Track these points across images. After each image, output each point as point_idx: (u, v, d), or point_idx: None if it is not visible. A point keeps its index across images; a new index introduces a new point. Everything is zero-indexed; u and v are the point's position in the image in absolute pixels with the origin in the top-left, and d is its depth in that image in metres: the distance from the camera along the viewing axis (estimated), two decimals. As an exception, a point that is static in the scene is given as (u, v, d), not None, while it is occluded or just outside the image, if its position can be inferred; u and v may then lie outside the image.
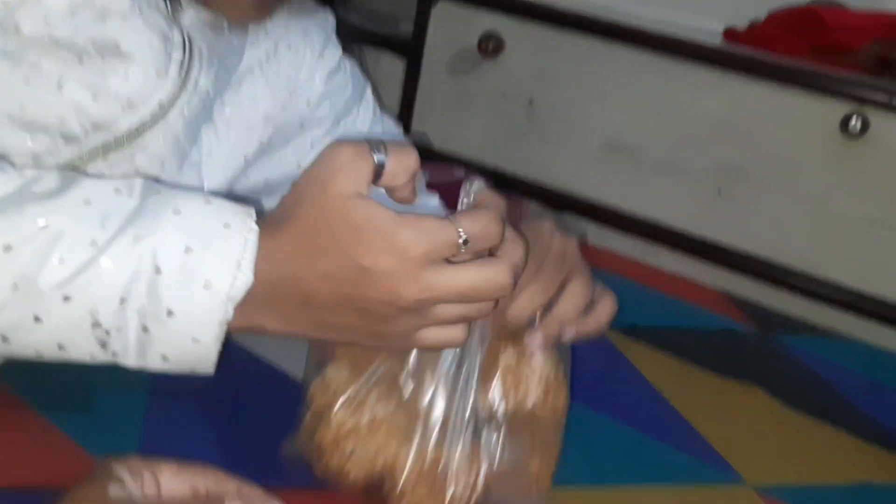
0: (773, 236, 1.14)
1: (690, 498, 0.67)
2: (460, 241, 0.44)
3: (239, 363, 0.73)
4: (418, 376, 0.55)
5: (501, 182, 1.13)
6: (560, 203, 1.25)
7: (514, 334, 0.58)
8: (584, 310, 0.57)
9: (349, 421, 0.54)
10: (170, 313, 0.44)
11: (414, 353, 0.54)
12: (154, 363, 0.46)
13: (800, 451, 0.77)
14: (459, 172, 1.13)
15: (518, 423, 0.58)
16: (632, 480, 0.68)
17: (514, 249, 0.48)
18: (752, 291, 1.12)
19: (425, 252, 0.43)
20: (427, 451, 0.53)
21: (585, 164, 1.24)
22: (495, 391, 0.57)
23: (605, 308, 0.59)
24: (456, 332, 0.48)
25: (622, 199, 1.23)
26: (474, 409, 0.55)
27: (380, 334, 0.47)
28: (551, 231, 0.58)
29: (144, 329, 0.44)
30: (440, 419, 0.54)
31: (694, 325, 1.00)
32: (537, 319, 0.58)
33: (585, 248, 1.17)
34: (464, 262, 0.46)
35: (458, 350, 0.54)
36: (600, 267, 1.13)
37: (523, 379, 0.59)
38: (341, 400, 0.54)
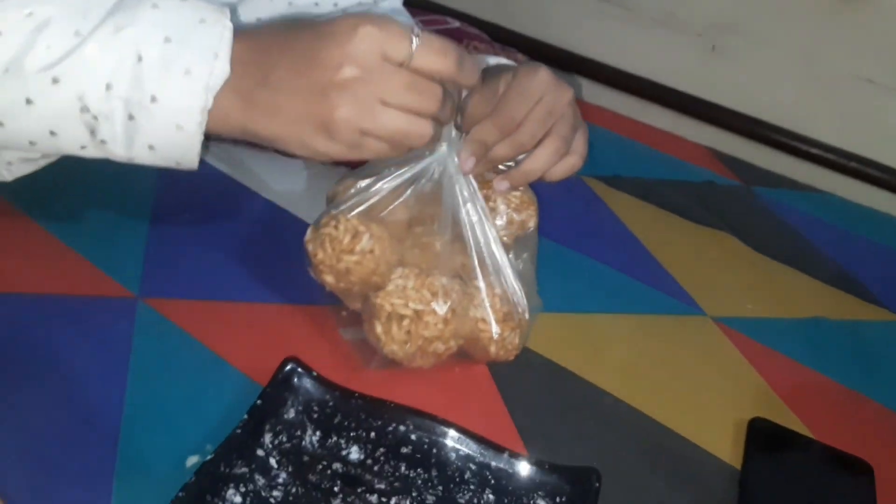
0: (762, 94, 1.15)
1: (653, 325, 0.73)
2: (412, 35, 0.47)
3: (242, 198, 0.78)
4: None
5: (496, 36, 1.15)
6: (553, 58, 1.25)
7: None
8: (553, 163, 0.61)
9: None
10: (153, 99, 0.46)
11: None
12: (141, 154, 0.48)
13: (761, 289, 0.83)
14: (454, 23, 1.13)
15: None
16: (602, 309, 0.74)
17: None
18: (738, 149, 1.15)
19: (381, 27, 0.46)
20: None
21: (580, 17, 1.23)
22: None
23: (566, 164, 0.62)
24: (395, 151, 0.49)
25: (616, 54, 1.23)
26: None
27: (326, 121, 0.47)
28: (545, 80, 0.59)
29: (130, 117, 0.46)
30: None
31: (676, 177, 1.03)
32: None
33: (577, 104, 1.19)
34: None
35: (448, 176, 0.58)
36: (589, 123, 1.16)
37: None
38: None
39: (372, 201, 0.59)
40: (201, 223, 0.73)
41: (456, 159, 0.59)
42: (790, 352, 0.73)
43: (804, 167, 1.12)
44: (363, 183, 0.60)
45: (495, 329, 0.61)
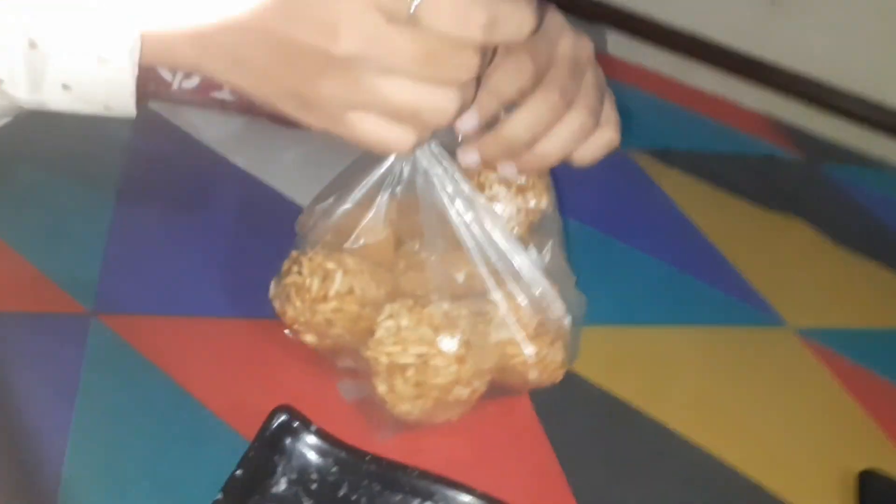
0: (828, 54, 1.01)
1: (724, 340, 0.60)
2: None
3: (225, 190, 0.64)
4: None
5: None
6: (587, 11, 1.11)
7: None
8: (578, 143, 0.46)
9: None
10: (63, 21, 0.34)
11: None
12: (54, 96, 0.36)
13: (846, 292, 0.69)
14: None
15: None
16: (661, 320, 0.61)
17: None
18: (800, 116, 1.01)
19: None
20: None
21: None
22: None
23: (600, 140, 0.47)
24: (395, 132, 0.37)
25: (658, 6, 1.08)
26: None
27: (303, 95, 0.36)
28: (560, 31, 0.46)
29: (32, 44, 0.34)
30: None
31: (733, 151, 0.90)
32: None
33: (612, 62, 1.05)
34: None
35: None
36: (629, 84, 1.02)
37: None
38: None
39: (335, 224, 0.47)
40: (173, 221, 0.60)
41: (432, 147, 0.45)
42: (892, 374, 0.60)
43: (879, 140, 0.98)
44: (325, 204, 0.48)
45: (528, 350, 0.48)
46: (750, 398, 0.56)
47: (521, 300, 0.48)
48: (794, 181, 0.87)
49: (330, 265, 0.46)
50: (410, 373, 0.44)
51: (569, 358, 0.51)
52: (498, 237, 0.47)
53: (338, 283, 0.46)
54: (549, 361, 0.49)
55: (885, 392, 0.59)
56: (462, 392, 0.46)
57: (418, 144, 0.39)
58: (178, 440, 0.44)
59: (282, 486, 0.41)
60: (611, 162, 0.84)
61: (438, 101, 0.37)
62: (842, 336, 0.64)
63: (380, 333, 0.45)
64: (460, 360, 0.45)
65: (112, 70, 0.35)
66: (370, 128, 0.37)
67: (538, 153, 0.45)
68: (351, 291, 0.46)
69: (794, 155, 0.93)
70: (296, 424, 0.42)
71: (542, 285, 0.48)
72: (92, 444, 0.43)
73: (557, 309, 0.49)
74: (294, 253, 0.48)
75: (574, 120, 0.45)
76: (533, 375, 0.49)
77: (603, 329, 0.59)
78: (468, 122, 0.42)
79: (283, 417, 0.42)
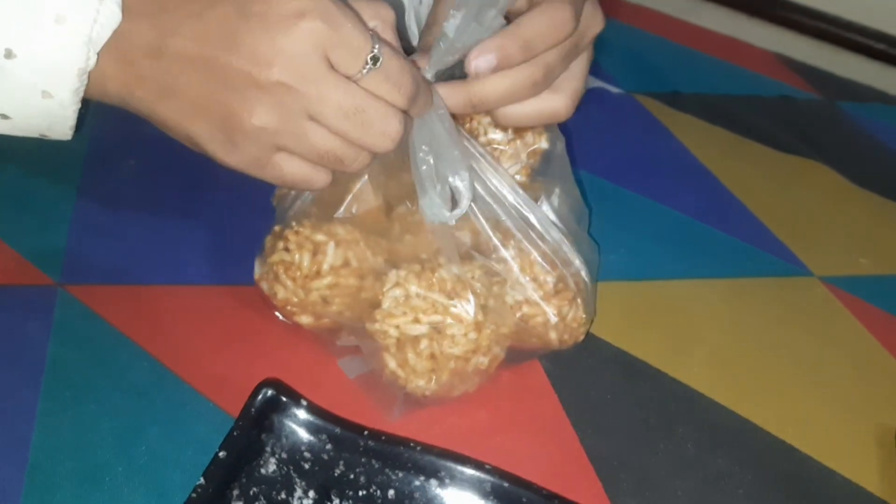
0: (842, -14, 0.95)
1: (748, 293, 0.56)
2: (371, 49, 0.35)
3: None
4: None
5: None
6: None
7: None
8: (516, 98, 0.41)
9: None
10: (8, 54, 0.33)
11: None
12: None
13: (873, 236, 0.65)
14: None
15: None
16: (679, 273, 0.57)
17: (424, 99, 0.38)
18: (813, 54, 0.95)
19: (331, 25, 0.34)
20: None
21: None
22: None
23: (541, 105, 0.42)
24: (318, 174, 0.38)
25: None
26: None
27: (231, 129, 0.35)
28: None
29: None
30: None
31: (745, 92, 0.85)
32: None
33: (618, 4, 0.99)
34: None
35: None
36: (636, 26, 0.96)
37: None
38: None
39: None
40: (142, 186, 0.55)
41: None
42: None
43: (894, 75, 0.93)
44: None
45: (549, 310, 0.44)
46: (777, 353, 0.51)
47: (535, 255, 0.43)
48: (811, 121, 0.82)
49: (319, 237, 0.42)
50: (424, 344, 0.40)
51: (591, 312, 0.47)
52: (503, 188, 0.43)
53: (330, 255, 0.41)
54: (571, 320, 0.45)
55: (919, 341, 0.55)
56: (482, 361, 0.42)
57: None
58: (155, 419, 0.40)
59: (271, 466, 0.37)
60: (618, 108, 0.79)
61: (361, 158, 0.37)
62: (871, 283, 0.59)
63: (387, 304, 0.40)
64: (478, 326, 0.41)
65: (54, 104, 0.35)
66: (295, 170, 0.37)
67: (472, 89, 0.40)
68: (346, 263, 0.42)
69: (809, 93, 0.88)
70: (284, 399, 0.38)
71: (555, 237, 0.44)
72: (60, 425, 0.39)
73: (575, 261, 0.45)
74: (277, 228, 0.43)
75: (551, 103, 0.42)
76: (554, 336, 0.45)
77: (617, 284, 0.55)
78: (484, 64, 0.39)
79: (269, 392, 0.38)
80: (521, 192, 0.43)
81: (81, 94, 0.35)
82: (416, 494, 0.37)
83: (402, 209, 0.44)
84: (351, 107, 0.35)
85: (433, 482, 0.37)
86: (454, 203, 0.39)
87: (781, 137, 0.77)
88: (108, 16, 0.34)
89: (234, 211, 0.53)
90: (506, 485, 0.36)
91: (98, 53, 0.34)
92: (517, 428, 0.43)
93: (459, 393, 0.42)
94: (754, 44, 0.96)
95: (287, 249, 0.42)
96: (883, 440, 0.46)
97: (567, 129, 0.69)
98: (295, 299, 0.42)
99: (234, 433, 0.36)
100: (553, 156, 0.46)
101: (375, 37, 0.36)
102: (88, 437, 0.38)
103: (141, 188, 0.54)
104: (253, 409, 0.37)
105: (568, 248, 0.45)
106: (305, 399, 0.38)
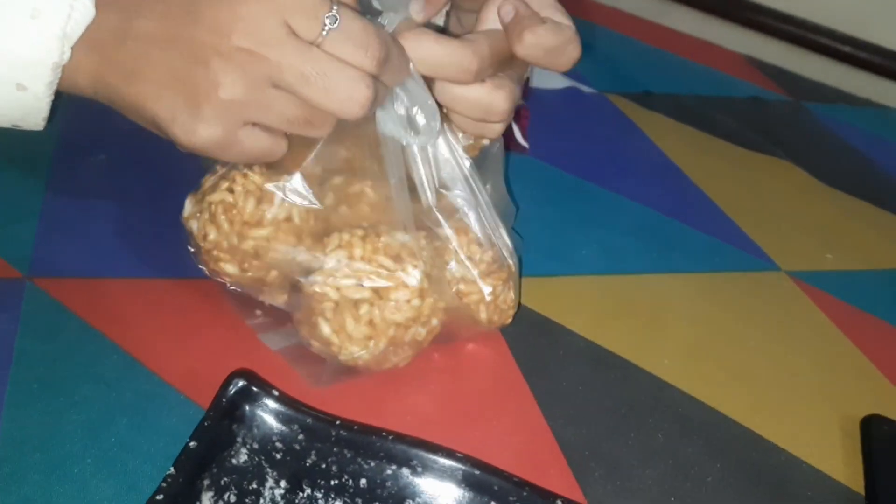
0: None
1: (718, 287, 0.57)
2: (329, 9, 0.35)
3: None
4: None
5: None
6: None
7: None
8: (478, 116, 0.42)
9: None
10: None
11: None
12: None
13: (838, 233, 0.66)
14: None
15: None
16: (649, 268, 0.57)
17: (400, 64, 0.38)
18: (781, 56, 0.97)
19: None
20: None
21: None
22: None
23: (487, 129, 0.43)
24: (278, 144, 0.38)
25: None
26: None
27: (199, 104, 0.35)
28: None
29: None
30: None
31: (715, 93, 0.87)
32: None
33: (590, 5, 1.00)
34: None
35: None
36: (607, 27, 0.97)
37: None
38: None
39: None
40: (112, 180, 0.54)
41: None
42: (892, 317, 0.57)
43: (861, 78, 0.95)
44: None
45: (485, 288, 0.44)
46: (745, 345, 0.52)
47: (473, 234, 0.44)
48: (780, 122, 0.84)
49: (269, 186, 0.40)
50: (364, 310, 0.39)
51: (517, 297, 0.48)
52: (448, 160, 0.42)
53: (276, 206, 0.40)
54: (502, 301, 0.46)
55: (885, 334, 0.56)
56: (419, 332, 0.41)
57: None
58: (125, 411, 0.39)
59: (242, 456, 0.37)
60: (591, 107, 0.80)
61: (326, 123, 0.37)
62: (836, 278, 0.61)
63: (330, 264, 0.40)
64: (422, 293, 0.41)
65: (29, 97, 0.35)
66: (257, 144, 0.37)
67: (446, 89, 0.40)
68: (289, 219, 0.41)
69: (777, 94, 0.89)
70: (255, 390, 0.38)
71: (493, 219, 0.45)
72: (28, 418, 0.38)
73: (507, 245, 0.46)
74: (220, 168, 0.42)
75: (506, 81, 0.41)
76: (483, 315, 0.45)
77: (589, 279, 0.55)
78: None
79: (241, 383, 0.38)
80: (468, 166, 0.43)
81: (55, 87, 0.36)
82: (388, 483, 0.37)
83: (338, 180, 0.43)
84: (312, 71, 0.35)
85: (405, 470, 0.37)
86: (415, 131, 0.39)
87: (750, 136, 0.78)
88: (82, 11, 0.34)
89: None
90: (477, 472, 0.36)
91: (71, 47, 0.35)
92: (489, 418, 0.43)
93: (391, 365, 0.42)
94: (724, 46, 0.98)
95: (231, 191, 0.41)
96: (847, 429, 0.47)
97: (541, 127, 0.70)
98: (226, 244, 0.41)
99: (205, 423, 0.36)
100: (489, 153, 0.46)
101: (332, 3, 0.35)
102: (57, 428, 0.38)
103: (110, 183, 0.54)
104: (224, 400, 0.37)
105: (504, 232, 0.46)
106: (277, 389, 0.38)
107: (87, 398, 0.39)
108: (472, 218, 0.43)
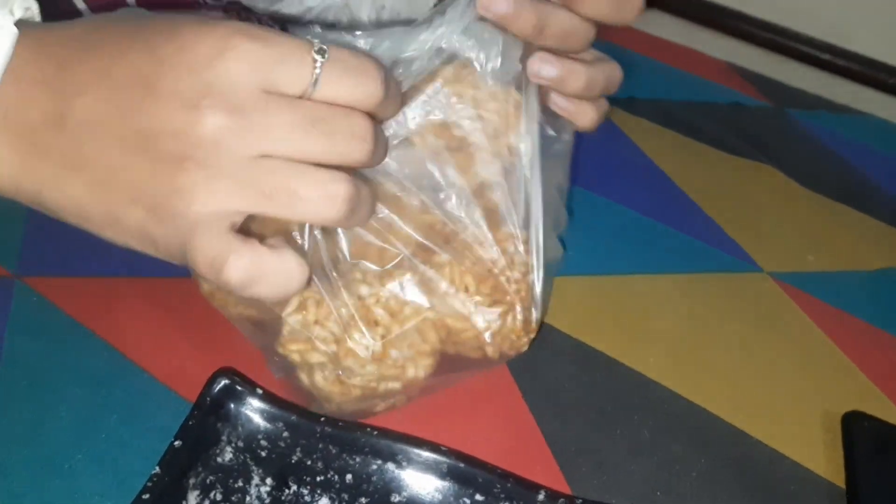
0: (791, 1, 0.99)
1: (701, 287, 0.58)
2: (312, 46, 0.29)
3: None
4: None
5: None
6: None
7: None
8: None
9: None
10: None
11: None
12: None
13: (819, 235, 0.67)
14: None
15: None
16: (634, 269, 0.58)
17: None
18: (763, 63, 0.98)
19: (264, 42, 0.29)
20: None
21: None
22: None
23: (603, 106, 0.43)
24: (333, 181, 0.31)
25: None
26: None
27: (157, 195, 0.29)
28: None
29: None
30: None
31: (698, 99, 0.87)
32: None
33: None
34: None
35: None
36: (591, 34, 0.98)
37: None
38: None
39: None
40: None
41: None
42: (871, 317, 0.58)
43: (840, 84, 0.96)
44: None
45: (479, 322, 0.40)
46: (728, 344, 0.53)
47: (469, 262, 0.39)
48: (762, 127, 0.85)
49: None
50: (329, 370, 0.38)
51: (538, 318, 0.43)
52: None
53: None
54: (510, 330, 0.41)
55: (864, 334, 0.57)
56: (393, 385, 0.39)
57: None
58: (115, 407, 0.39)
59: (227, 454, 0.37)
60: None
61: (339, 189, 0.30)
62: (818, 279, 0.61)
63: (286, 329, 0.38)
64: (377, 358, 0.38)
65: None
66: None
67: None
68: None
69: (759, 101, 0.90)
70: (240, 388, 0.38)
71: (484, 234, 0.40)
72: (17, 413, 0.38)
73: (522, 264, 0.41)
74: None
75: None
76: (491, 351, 0.41)
77: (575, 279, 0.56)
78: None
79: (224, 381, 0.38)
80: (444, 160, 0.39)
81: None
82: (374, 478, 0.37)
83: None
84: (308, 118, 0.29)
85: (390, 465, 0.37)
86: None
87: (733, 141, 0.79)
88: None
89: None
90: (461, 465, 0.37)
91: None
92: (476, 414, 0.44)
93: (385, 409, 0.41)
94: (707, 53, 0.99)
95: None
96: (829, 426, 0.48)
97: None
98: (217, 296, 0.40)
99: (190, 422, 0.36)
100: (554, 147, 0.43)
101: (313, 40, 0.30)
102: (46, 425, 0.38)
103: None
104: (208, 399, 0.37)
105: (538, 245, 0.42)
106: (261, 388, 0.39)
107: (77, 395, 0.39)
108: (459, 238, 0.39)
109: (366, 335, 0.37)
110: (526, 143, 0.40)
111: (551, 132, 0.43)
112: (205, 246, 0.29)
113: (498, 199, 0.40)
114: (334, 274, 0.37)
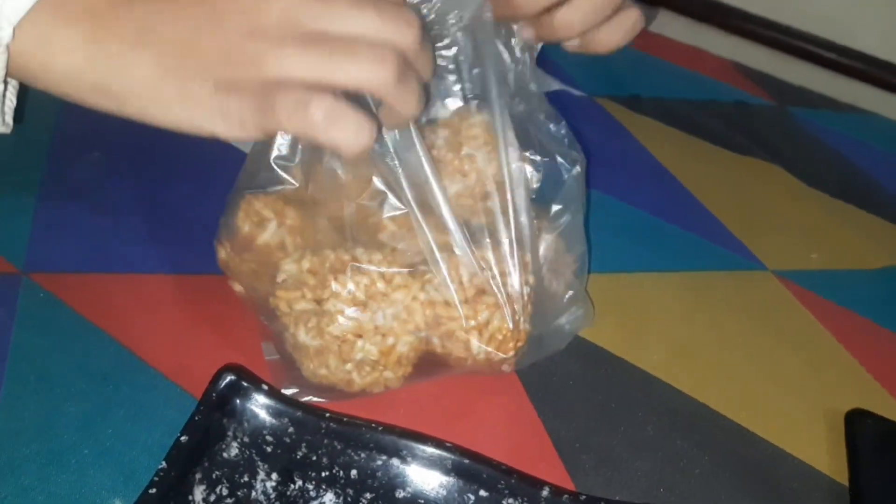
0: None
1: (705, 285, 0.58)
2: None
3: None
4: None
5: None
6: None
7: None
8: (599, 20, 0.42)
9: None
10: None
11: None
12: None
13: (823, 234, 0.67)
14: None
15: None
16: (639, 267, 0.58)
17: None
18: (767, 62, 0.98)
19: None
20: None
21: None
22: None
23: (627, 20, 0.42)
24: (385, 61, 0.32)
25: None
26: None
27: (228, 66, 0.30)
28: None
29: None
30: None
31: (702, 97, 0.88)
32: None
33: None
34: None
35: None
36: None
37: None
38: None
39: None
40: (107, 175, 0.55)
41: None
42: (875, 315, 0.58)
43: (844, 83, 0.96)
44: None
45: (464, 311, 0.40)
46: (732, 342, 0.53)
47: (466, 267, 0.40)
48: (766, 126, 0.85)
49: (266, 213, 0.41)
50: (313, 322, 0.39)
51: (528, 331, 0.43)
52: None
53: (268, 233, 0.41)
54: (494, 329, 0.41)
55: (867, 332, 0.57)
56: (370, 350, 0.39)
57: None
58: (122, 403, 0.40)
59: (233, 450, 0.37)
60: (581, 110, 0.81)
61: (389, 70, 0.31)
62: (822, 277, 0.62)
63: (280, 277, 0.39)
64: (360, 304, 0.38)
65: None
66: (292, 102, 0.31)
67: (561, 18, 0.41)
68: (282, 246, 0.41)
69: (762, 99, 0.90)
70: (245, 384, 0.38)
71: (460, 240, 0.40)
72: (24, 409, 0.38)
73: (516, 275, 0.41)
74: (248, 192, 0.42)
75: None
76: (474, 347, 0.41)
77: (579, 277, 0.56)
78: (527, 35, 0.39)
79: (230, 377, 0.38)
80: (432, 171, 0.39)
81: (4, 73, 0.30)
82: (379, 473, 0.37)
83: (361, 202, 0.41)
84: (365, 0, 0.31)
85: (395, 461, 0.37)
86: None
87: (736, 140, 0.79)
88: None
89: (196, 202, 0.53)
90: (466, 461, 0.37)
91: (23, 23, 0.29)
92: (480, 410, 0.44)
93: (358, 388, 0.41)
94: (711, 52, 0.99)
95: (235, 214, 0.42)
96: (832, 423, 0.48)
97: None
98: (231, 264, 0.41)
99: (196, 418, 0.37)
100: (566, 179, 0.45)
101: None
102: (53, 420, 0.38)
103: (105, 179, 0.54)
104: (214, 394, 0.38)
105: (526, 242, 0.42)
106: (266, 383, 0.39)
107: (84, 390, 0.40)
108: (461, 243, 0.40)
109: (349, 280, 0.38)
110: (511, 167, 0.42)
111: (563, 162, 0.45)
112: (287, 94, 0.30)
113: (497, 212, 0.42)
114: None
